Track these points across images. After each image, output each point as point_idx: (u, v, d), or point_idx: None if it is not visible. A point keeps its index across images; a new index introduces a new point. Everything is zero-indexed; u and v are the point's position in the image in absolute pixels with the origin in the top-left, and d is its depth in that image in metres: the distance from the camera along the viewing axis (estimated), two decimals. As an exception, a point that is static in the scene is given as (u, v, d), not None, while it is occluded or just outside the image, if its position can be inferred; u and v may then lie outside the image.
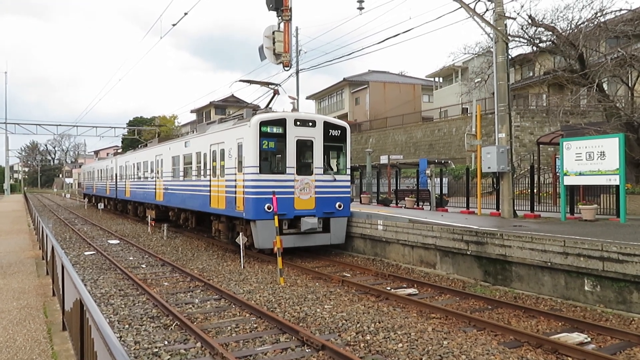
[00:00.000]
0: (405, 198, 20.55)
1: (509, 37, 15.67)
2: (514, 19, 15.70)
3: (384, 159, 28.99)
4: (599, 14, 15.85)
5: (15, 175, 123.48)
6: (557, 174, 17.43)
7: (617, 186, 12.76)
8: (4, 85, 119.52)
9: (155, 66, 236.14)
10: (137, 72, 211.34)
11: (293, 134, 14.25)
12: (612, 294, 8.74)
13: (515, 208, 14.94)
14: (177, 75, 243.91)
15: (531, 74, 37.39)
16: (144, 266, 13.84)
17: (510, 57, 16.40)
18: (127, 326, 8.07)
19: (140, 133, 59.30)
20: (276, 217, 12.21)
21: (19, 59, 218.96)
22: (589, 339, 7.27)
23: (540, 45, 17.71)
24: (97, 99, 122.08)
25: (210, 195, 16.53)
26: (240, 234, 13.61)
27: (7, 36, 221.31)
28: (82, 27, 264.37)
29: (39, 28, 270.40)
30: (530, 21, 16.23)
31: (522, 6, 23.90)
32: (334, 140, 15.07)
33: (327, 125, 14.93)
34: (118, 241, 19.24)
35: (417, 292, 10.50)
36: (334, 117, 18.15)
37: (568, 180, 13.59)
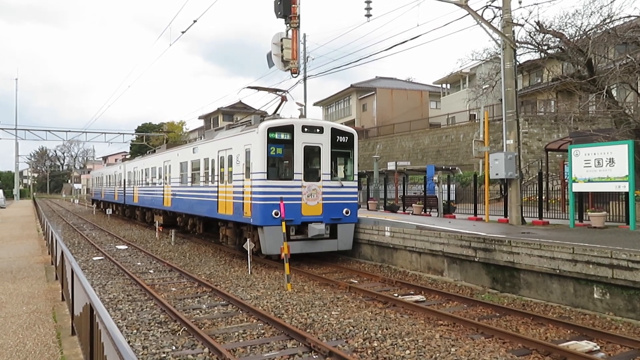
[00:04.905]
0: (413, 204, 20.51)
1: (517, 44, 15.65)
2: (522, 25, 15.69)
3: (391, 165, 28.97)
4: (607, 21, 15.80)
5: (25, 181, 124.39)
6: (566, 180, 17.33)
7: (627, 193, 12.68)
8: (15, 91, 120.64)
9: (168, 72, 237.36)
10: (148, 78, 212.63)
11: (300, 140, 14.30)
12: (622, 301, 8.67)
13: (523, 215, 14.85)
14: (189, 81, 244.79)
15: (539, 81, 37.27)
16: (151, 271, 13.90)
17: (518, 63, 16.37)
18: (135, 331, 8.11)
19: (149, 139, 59.65)
20: (283, 223, 12.23)
21: (32, 65, 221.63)
22: (598, 347, 7.21)
23: (549, 51, 17.67)
24: (106, 106, 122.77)
25: (217, 201, 16.59)
26: (248, 239, 13.65)
27: (21, 42, 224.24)
28: (96, 33, 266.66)
29: (52, 34, 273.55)
30: (538, 28, 16.21)
31: (530, 13, 23.71)
32: (342, 147, 15.10)
33: (335, 132, 14.97)
34: (126, 246, 19.33)
35: (425, 299, 10.47)
36: (341, 124, 18.19)
37: (577, 187, 13.52)
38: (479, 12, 14.85)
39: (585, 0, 31.88)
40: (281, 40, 13.94)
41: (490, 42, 44.42)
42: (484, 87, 23.15)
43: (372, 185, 25.98)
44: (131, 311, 9.43)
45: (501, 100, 15.61)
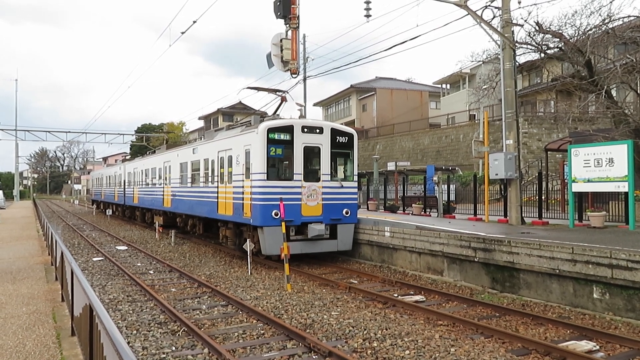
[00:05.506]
0: (413, 205, 20.52)
1: (517, 44, 15.65)
2: (522, 25, 15.68)
3: (391, 166, 28.97)
4: (606, 21, 15.79)
5: (25, 182, 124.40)
6: (565, 180, 17.34)
7: (626, 193, 12.69)
8: (15, 92, 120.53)
9: (168, 72, 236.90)
10: (148, 79, 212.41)
11: (300, 141, 14.31)
12: (621, 301, 8.68)
13: (523, 215, 14.86)
14: (189, 81, 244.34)
15: (539, 81, 37.29)
16: (151, 272, 13.90)
17: (517, 63, 16.37)
18: (135, 332, 8.12)
19: (149, 140, 59.66)
20: (283, 224, 12.25)
21: (32, 65, 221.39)
22: (598, 347, 7.22)
23: (548, 52, 17.66)
24: (106, 106, 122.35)
25: (217, 201, 16.60)
26: (248, 240, 13.65)
27: (21, 43, 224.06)
28: (96, 33, 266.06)
29: (52, 34, 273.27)
30: (537, 28, 16.20)
31: (529, 13, 23.74)
32: (341, 147, 15.10)
33: (335, 132, 14.98)
34: (126, 247, 19.33)
35: (424, 299, 10.47)
36: (341, 124, 18.21)
37: (576, 187, 13.53)
38: (479, 13, 14.86)
39: (584, 0, 31.93)
40: (281, 40, 13.94)
41: (489, 42, 44.41)
42: (483, 88, 23.15)
43: (372, 186, 25.99)
44: (131, 312, 9.43)
45: (501, 100, 15.62)
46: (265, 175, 13.76)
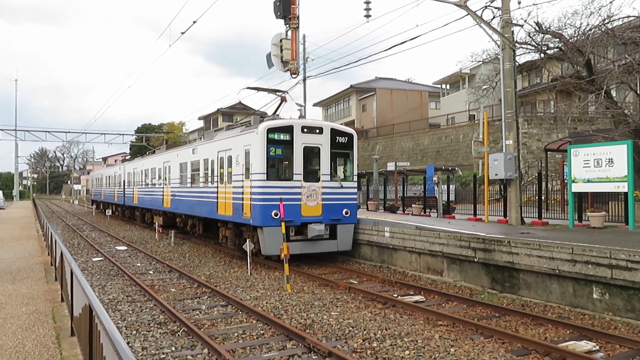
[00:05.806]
0: (412, 205, 20.52)
1: (516, 44, 15.66)
2: (521, 26, 15.69)
3: (390, 166, 28.98)
4: (606, 21, 15.81)
5: (24, 182, 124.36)
6: (565, 181, 17.35)
7: (626, 193, 12.70)
8: (15, 92, 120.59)
9: (168, 72, 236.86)
10: (148, 79, 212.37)
11: (300, 141, 14.31)
12: (621, 302, 8.68)
13: (523, 215, 14.87)
14: (189, 81, 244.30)
15: (539, 81, 37.30)
16: (151, 272, 13.90)
17: (517, 63, 16.38)
18: (134, 332, 8.11)
19: (149, 140, 59.65)
20: (283, 224, 12.24)
21: (32, 65, 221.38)
22: (598, 347, 7.22)
23: (548, 52, 17.68)
24: (106, 106, 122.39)
25: (217, 201, 16.60)
26: (248, 240, 13.65)
27: (21, 43, 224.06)
28: (96, 33, 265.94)
29: (52, 34, 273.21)
30: (537, 28, 16.21)
31: (529, 13, 23.82)
32: (341, 147, 15.10)
33: (334, 132, 14.98)
34: (126, 247, 19.33)
35: (424, 299, 10.47)
36: (341, 124, 18.21)
37: (576, 187, 13.53)
38: (478, 13, 14.85)
39: (584, 0, 31.97)
40: (280, 41, 13.94)
41: (489, 42, 44.42)
42: (483, 88, 23.16)
43: (372, 186, 25.99)
44: (131, 312, 9.43)
45: (501, 100, 15.63)
46: (265, 175, 13.76)
